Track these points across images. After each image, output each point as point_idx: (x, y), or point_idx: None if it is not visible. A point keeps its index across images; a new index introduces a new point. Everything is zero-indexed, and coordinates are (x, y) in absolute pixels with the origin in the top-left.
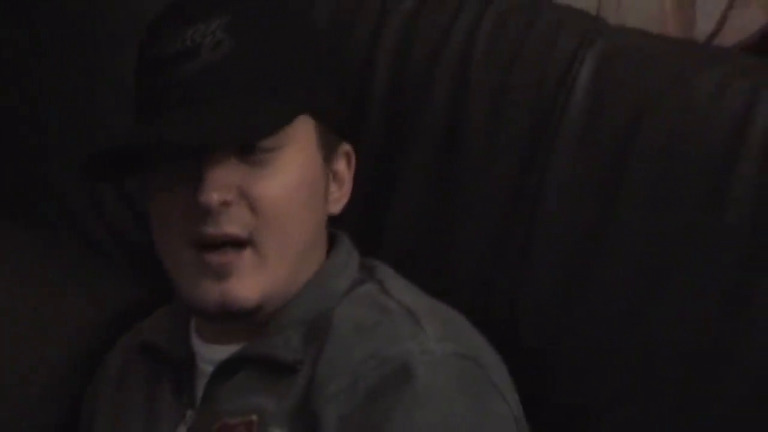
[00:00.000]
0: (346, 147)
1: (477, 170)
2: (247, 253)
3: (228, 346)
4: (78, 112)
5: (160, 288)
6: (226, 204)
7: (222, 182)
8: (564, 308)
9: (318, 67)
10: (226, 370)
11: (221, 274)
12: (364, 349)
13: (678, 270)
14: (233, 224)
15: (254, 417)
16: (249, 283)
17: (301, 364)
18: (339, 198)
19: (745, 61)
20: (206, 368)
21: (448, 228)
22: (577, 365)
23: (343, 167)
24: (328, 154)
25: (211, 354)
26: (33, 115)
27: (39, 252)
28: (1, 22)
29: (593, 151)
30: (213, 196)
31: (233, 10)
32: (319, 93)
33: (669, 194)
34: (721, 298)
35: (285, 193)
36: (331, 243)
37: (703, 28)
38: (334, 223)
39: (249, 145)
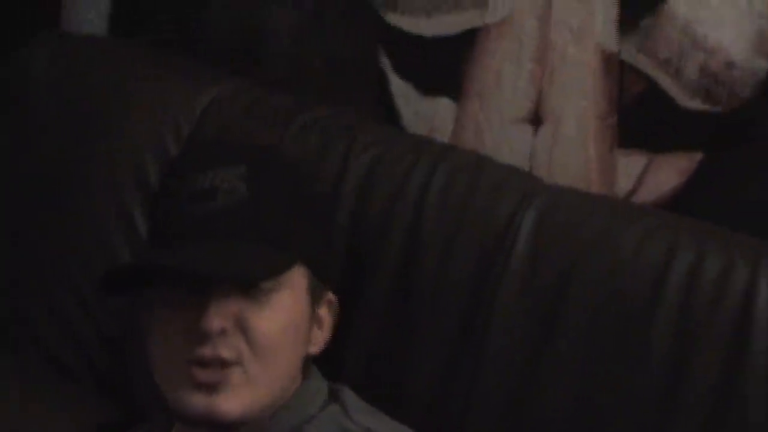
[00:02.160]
0: (331, 296)
1: (429, 308)
2: (235, 373)
3: None
4: (48, 247)
5: (127, 412)
6: (224, 331)
7: (223, 312)
8: (506, 426)
9: (315, 222)
10: None
11: (210, 389)
12: None
13: (608, 398)
14: (227, 349)
15: None
16: (234, 399)
17: None
18: (319, 341)
19: (662, 217)
20: None
21: (403, 357)
22: None
23: (326, 313)
24: (315, 299)
25: None
26: (5, 248)
27: (11, 377)
28: None
29: (533, 296)
30: (214, 323)
31: (249, 161)
32: (314, 245)
33: (599, 333)
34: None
35: (276, 330)
36: (304, 371)
37: (622, 186)
38: None
39: (254, 282)
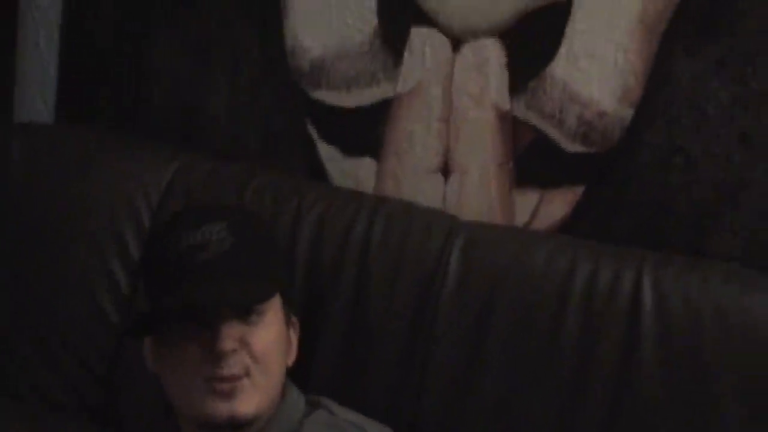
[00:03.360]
0: (294, 318)
1: (379, 326)
2: (245, 382)
3: None
4: (42, 304)
5: None
6: (233, 351)
7: (232, 335)
8: (453, 414)
9: (281, 262)
10: None
11: (229, 396)
12: None
13: (530, 387)
14: (237, 366)
15: None
16: (247, 402)
17: None
18: (292, 355)
19: (561, 239)
20: None
21: (360, 367)
22: None
23: (293, 333)
24: (287, 321)
25: None
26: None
27: (13, 418)
28: None
29: (465, 312)
30: (227, 345)
31: (229, 218)
32: (283, 279)
33: (519, 337)
34: (557, 404)
35: (270, 343)
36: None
37: (521, 219)
38: None
39: (247, 309)
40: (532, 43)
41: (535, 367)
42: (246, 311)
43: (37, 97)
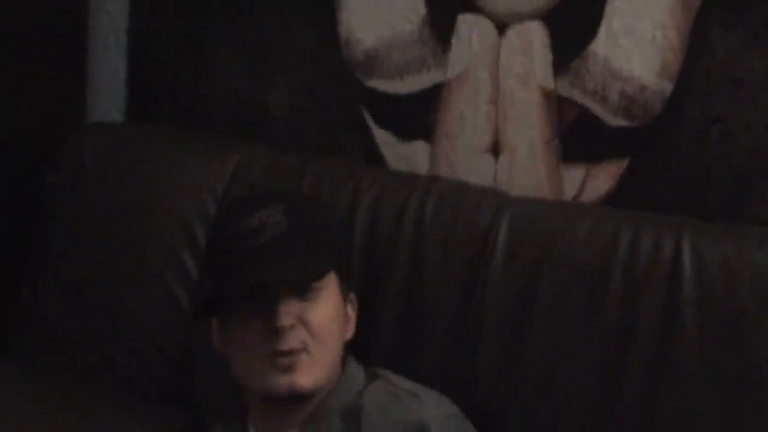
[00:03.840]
0: (352, 295)
1: (434, 297)
2: (304, 356)
3: None
4: (119, 295)
5: (193, 419)
6: (291, 327)
7: (289, 312)
8: (503, 380)
9: (337, 242)
10: None
11: (288, 370)
12: (391, 421)
13: (575, 352)
14: (295, 341)
15: None
16: (306, 375)
17: None
18: (350, 330)
19: (604, 211)
20: None
21: (417, 338)
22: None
23: (350, 309)
24: (344, 298)
25: None
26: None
27: (93, 400)
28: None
29: (513, 282)
30: (285, 321)
31: (285, 200)
32: (339, 258)
33: (564, 305)
34: (601, 369)
35: (327, 320)
36: (344, 357)
37: (569, 193)
38: None
39: (303, 287)
40: (573, 24)
41: (579, 333)
42: (302, 289)
43: (108, 99)
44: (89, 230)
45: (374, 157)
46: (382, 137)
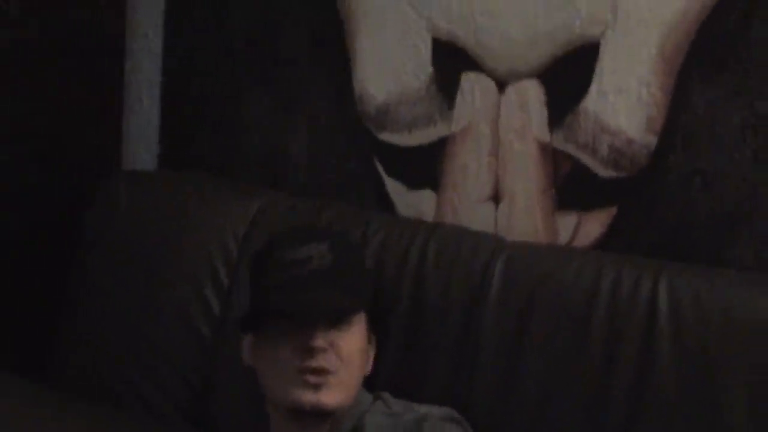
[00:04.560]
0: (374, 338)
1: (434, 333)
2: (332, 378)
3: None
4: (145, 328)
5: None
6: (324, 349)
7: (325, 336)
8: (499, 406)
9: (370, 282)
10: None
11: (317, 387)
12: (390, 428)
13: (563, 383)
14: (326, 362)
15: None
16: (332, 395)
17: None
18: (369, 364)
19: (592, 254)
20: None
21: (419, 367)
22: None
23: (370, 348)
24: (368, 336)
25: None
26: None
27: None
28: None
29: (507, 318)
30: (320, 343)
31: (330, 238)
32: (370, 296)
33: (554, 339)
34: (587, 397)
35: (355, 349)
36: None
37: (563, 238)
38: None
39: (339, 318)
40: (567, 83)
41: (567, 364)
42: (338, 320)
43: (142, 148)
44: (121, 267)
45: (385, 205)
46: (393, 186)
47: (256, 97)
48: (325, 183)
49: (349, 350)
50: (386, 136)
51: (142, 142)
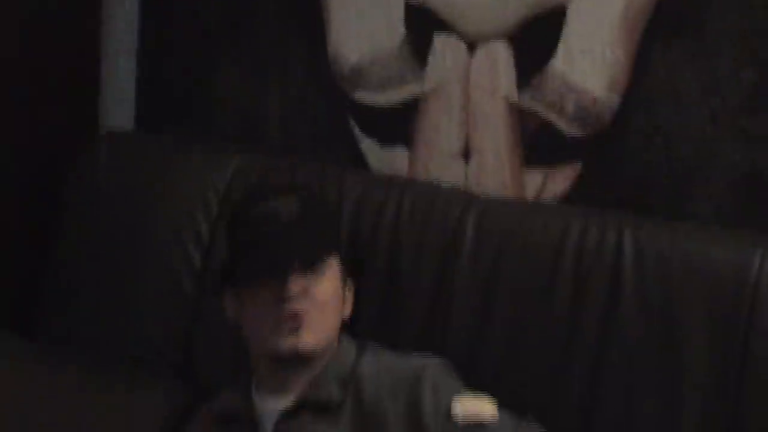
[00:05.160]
0: (350, 281)
1: (410, 283)
2: (307, 322)
3: (282, 398)
4: (130, 281)
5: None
6: (298, 295)
7: (297, 283)
8: (471, 351)
9: (338, 231)
10: (287, 416)
11: (293, 332)
12: (389, 381)
13: (533, 331)
14: (300, 306)
15: None
16: (308, 338)
17: (344, 402)
18: (346, 309)
19: (559, 208)
20: (267, 420)
21: (395, 316)
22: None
23: (348, 292)
24: (344, 280)
25: (272, 404)
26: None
27: (99, 371)
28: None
29: (479, 270)
30: (293, 289)
31: (297, 193)
32: (342, 246)
33: (523, 289)
34: (555, 342)
35: (328, 294)
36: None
37: (530, 193)
38: None
39: (310, 266)
40: (535, 44)
41: (536, 312)
42: (308, 267)
43: (119, 110)
44: (104, 225)
45: (359, 162)
46: (367, 144)
47: (232, 58)
48: (300, 142)
49: (322, 295)
50: (360, 96)
51: (119, 104)
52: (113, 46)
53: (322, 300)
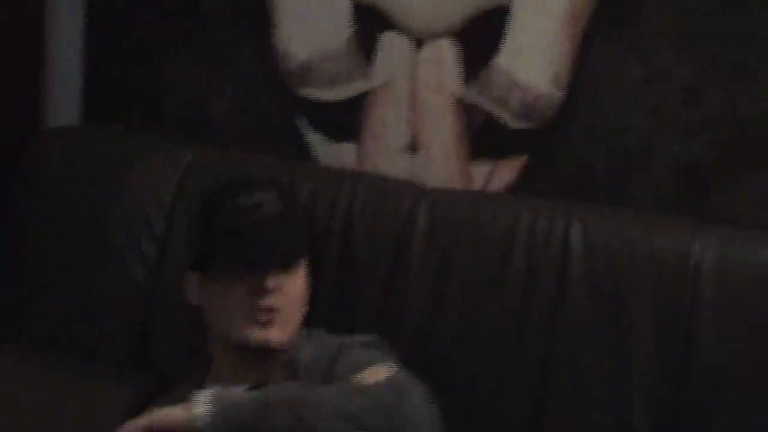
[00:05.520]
0: (310, 276)
1: (364, 272)
2: (279, 317)
3: (237, 388)
4: (84, 276)
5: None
6: (274, 290)
7: (274, 279)
8: (425, 338)
9: (309, 227)
10: None
11: (266, 324)
12: (319, 360)
13: (483, 314)
14: (276, 302)
15: None
16: (279, 331)
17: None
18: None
19: (507, 197)
20: None
21: (351, 303)
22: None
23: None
24: (309, 278)
25: None
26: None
27: (53, 368)
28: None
29: (432, 257)
30: (270, 284)
31: (278, 188)
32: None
33: (475, 276)
34: (506, 327)
35: (299, 291)
36: None
37: (478, 184)
38: None
39: (288, 262)
40: (480, 41)
41: (488, 298)
42: (287, 263)
43: (65, 104)
44: (57, 221)
45: (307, 156)
46: (315, 139)
47: (180, 53)
48: (248, 137)
49: (294, 291)
50: (308, 92)
51: (64, 101)
52: (58, 41)
53: (293, 296)
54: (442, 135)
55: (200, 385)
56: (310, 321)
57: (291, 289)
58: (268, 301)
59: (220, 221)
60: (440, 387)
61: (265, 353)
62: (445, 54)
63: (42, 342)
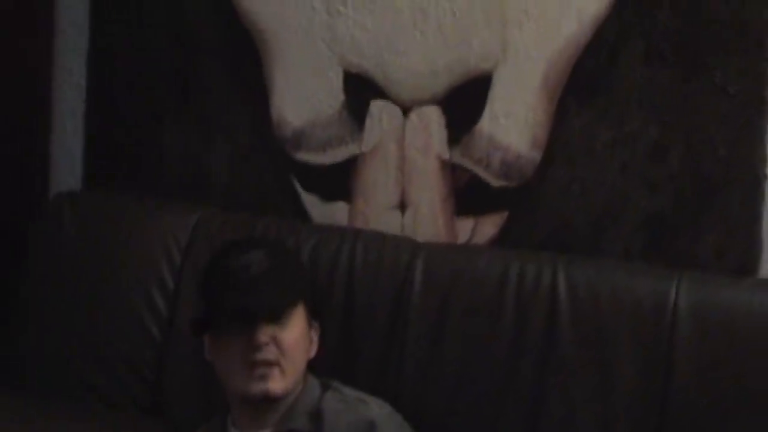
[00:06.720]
0: (316, 323)
1: (366, 324)
2: (276, 368)
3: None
4: (99, 330)
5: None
6: (266, 343)
7: (266, 332)
8: (425, 383)
9: (305, 278)
10: None
11: (263, 378)
12: (345, 422)
13: (478, 358)
14: (270, 354)
15: None
16: (277, 384)
17: None
18: (312, 349)
19: (496, 250)
20: None
21: (353, 353)
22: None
23: (314, 334)
24: (309, 324)
25: None
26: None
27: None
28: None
29: (428, 309)
30: (262, 339)
31: (266, 247)
32: (306, 291)
33: (470, 325)
34: (500, 370)
35: (294, 340)
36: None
37: (462, 239)
38: None
39: (278, 314)
40: (463, 108)
41: (482, 343)
42: (277, 316)
43: (67, 172)
44: (74, 278)
45: (302, 216)
46: (309, 199)
47: (179, 120)
48: (245, 200)
49: (289, 341)
50: (302, 156)
51: (66, 167)
52: (60, 113)
53: (290, 347)
54: (430, 194)
55: (222, 430)
56: (315, 367)
57: (286, 339)
58: (263, 355)
59: (216, 283)
60: (439, 424)
61: (271, 403)
62: (431, 120)
63: (63, 391)
